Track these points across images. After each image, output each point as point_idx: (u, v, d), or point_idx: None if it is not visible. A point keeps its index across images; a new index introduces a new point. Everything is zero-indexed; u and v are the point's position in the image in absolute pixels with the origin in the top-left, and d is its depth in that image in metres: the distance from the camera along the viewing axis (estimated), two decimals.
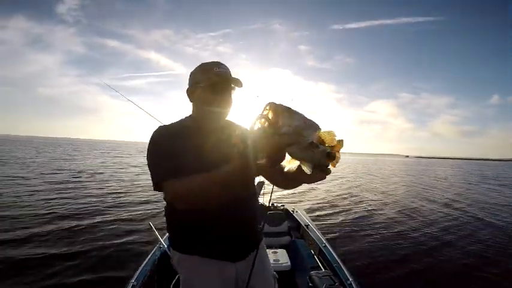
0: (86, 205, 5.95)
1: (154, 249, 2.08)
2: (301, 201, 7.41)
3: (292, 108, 0.61)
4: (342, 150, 0.65)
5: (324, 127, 0.62)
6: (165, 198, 0.92)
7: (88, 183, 8.96)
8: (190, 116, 1.02)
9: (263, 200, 2.85)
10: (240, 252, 1.01)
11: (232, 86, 0.96)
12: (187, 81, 1.02)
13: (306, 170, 0.62)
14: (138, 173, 12.42)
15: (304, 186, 10.36)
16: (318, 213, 6.09)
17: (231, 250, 0.98)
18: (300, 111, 0.61)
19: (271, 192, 1.81)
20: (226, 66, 0.96)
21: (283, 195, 7.64)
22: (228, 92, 0.96)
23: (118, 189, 8.07)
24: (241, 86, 0.96)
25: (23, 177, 9.20)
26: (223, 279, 0.98)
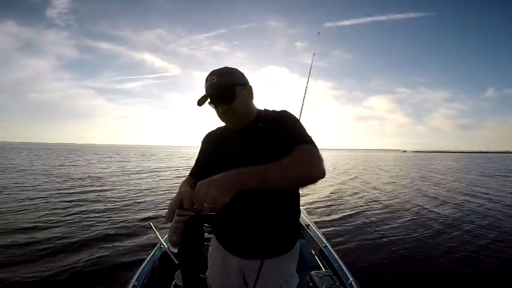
0: (87, 206, 5.95)
1: (155, 249, 2.07)
2: (301, 200, 7.41)
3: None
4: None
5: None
6: None
7: (88, 185, 8.92)
8: None
9: None
10: (239, 250, 1.01)
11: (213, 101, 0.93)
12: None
13: None
14: (139, 176, 12.40)
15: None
16: (318, 212, 6.07)
17: (230, 243, 1.03)
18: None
19: None
20: (214, 75, 0.92)
21: None
22: (217, 106, 0.93)
23: (119, 191, 8.05)
24: (204, 103, 0.93)
25: (25, 183, 9.12)
26: (228, 267, 1.05)
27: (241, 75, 0.98)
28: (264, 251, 0.98)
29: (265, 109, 1.04)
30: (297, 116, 1.06)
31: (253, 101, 1.03)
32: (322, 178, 0.78)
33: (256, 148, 0.92)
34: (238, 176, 0.69)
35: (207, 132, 1.15)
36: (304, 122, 1.03)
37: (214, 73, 0.92)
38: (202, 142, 1.14)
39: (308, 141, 0.86)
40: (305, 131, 0.91)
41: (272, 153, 0.81)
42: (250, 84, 1.00)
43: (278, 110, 1.01)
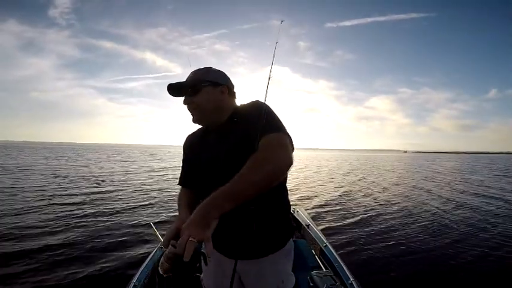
0: (86, 205, 5.97)
1: (156, 249, 2.07)
2: (301, 201, 7.40)
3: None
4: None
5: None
6: None
7: (88, 184, 8.93)
8: None
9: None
10: (232, 252, 0.98)
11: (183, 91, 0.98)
12: None
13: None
14: (140, 175, 12.40)
15: (303, 186, 10.35)
16: (319, 212, 6.07)
17: (221, 245, 0.99)
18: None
19: None
20: (192, 73, 0.99)
21: None
22: (185, 100, 0.98)
23: (118, 190, 8.07)
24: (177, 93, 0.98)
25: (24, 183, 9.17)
26: (222, 268, 1.01)
27: (217, 75, 0.99)
28: (256, 251, 0.96)
29: (241, 104, 1.02)
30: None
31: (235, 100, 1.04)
32: (291, 165, 0.78)
33: (231, 145, 0.93)
34: (210, 207, 0.71)
35: (187, 135, 1.16)
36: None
37: (193, 71, 0.99)
38: (184, 147, 1.14)
39: (273, 128, 0.84)
40: (273, 117, 0.90)
41: (246, 147, 0.82)
42: (231, 86, 1.02)
43: (250, 101, 0.99)
